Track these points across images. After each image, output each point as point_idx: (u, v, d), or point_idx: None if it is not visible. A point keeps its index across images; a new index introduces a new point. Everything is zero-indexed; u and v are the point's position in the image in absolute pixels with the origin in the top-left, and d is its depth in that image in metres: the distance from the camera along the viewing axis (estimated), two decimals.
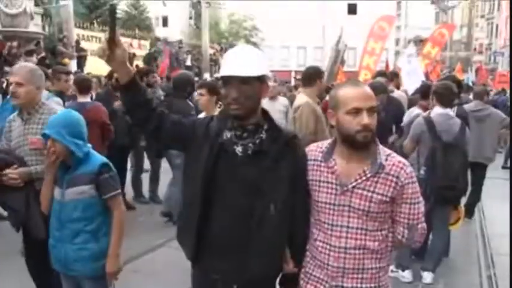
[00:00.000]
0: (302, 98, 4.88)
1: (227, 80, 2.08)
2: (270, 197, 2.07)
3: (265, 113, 2.20)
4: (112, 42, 2.01)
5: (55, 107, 3.65)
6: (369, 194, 2.05)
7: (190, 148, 2.21)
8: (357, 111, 2.01)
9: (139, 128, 2.25)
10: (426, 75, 14.27)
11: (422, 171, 4.38)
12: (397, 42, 57.72)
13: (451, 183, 4.32)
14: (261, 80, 2.10)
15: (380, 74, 7.20)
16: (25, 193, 3.23)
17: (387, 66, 24.18)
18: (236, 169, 2.09)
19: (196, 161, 2.15)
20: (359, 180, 2.06)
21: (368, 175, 2.05)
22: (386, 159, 2.08)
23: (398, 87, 7.82)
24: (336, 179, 2.08)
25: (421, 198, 2.14)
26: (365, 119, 2.00)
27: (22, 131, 3.40)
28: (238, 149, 2.11)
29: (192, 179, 2.18)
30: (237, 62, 2.07)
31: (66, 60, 15.81)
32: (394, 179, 2.05)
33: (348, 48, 14.48)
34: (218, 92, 4.77)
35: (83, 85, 5.96)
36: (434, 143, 4.43)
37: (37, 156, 3.35)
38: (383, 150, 2.11)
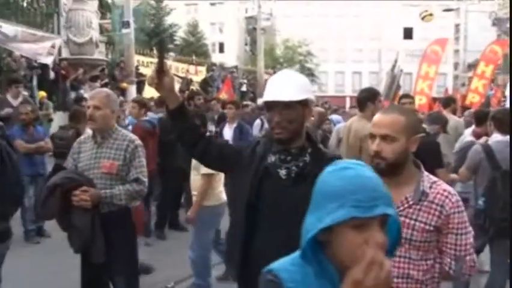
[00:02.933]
0: (359, 124, 4.70)
1: (271, 105, 2.12)
2: None
3: (309, 136, 2.22)
4: (161, 71, 2.12)
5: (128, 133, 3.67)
6: (412, 222, 2.00)
7: (236, 171, 2.26)
8: (372, 137, 2.03)
9: (187, 152, 2.33)
10: (488, 98, 13.76)
11: (480, 202, 4.10)
12: (456, 66, 56.18)
13: None
14: (304, 104, 2.13)
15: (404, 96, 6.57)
16: (91, 215, 3.25)
17: (446, 91, 23.58)
18: (280, 192, 2.11)
19: (241, 184, 2.19)
20: (401, 208, 2.01)
21: (410, 202, 2.01)
22: (431, 187, 2.02)
23: (454, 113, 7.55)
24: None
25: (470, 229, 2.05)
26: (374, 145, 2.00)
27: (94, 154, 3.42)
28: (282, 172, 2.13)
29: (237, 201, 2.24)
30: (280, 87, 2.10)
31: (124, 84, 16.36)
32: (438, 208, 1.99)
33: (404, 73, 14.27)
34: None
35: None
36: (494, 172, 4.15)
37: (107, 180, 3.37)
38: (427, 178, 2.05)
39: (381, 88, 13.97)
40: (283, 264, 1.34)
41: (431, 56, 14.01)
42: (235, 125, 7.36)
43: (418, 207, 2.00)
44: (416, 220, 1.99)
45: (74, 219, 3.26)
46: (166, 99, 2.20)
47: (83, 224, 3.24)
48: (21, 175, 3.31)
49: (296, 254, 1.37)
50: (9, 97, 8.33)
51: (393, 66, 13.55)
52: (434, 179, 2.08)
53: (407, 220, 2.00)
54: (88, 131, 3.72)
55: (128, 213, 3.55)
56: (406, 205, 2.02)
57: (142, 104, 7.01)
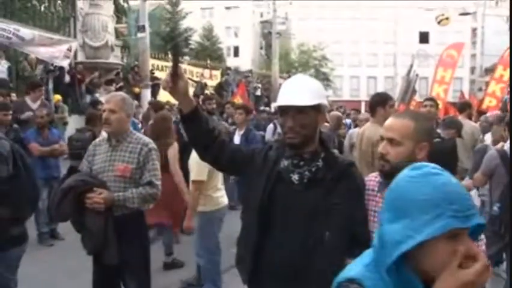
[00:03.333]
0: (371, 129, 4.64)
1: (284, 110, 2.13)
2: (325, 224, 2.06)
3: (322, 141, 2.23)
4: (175, 75, 2.12)
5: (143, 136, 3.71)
6: None
7: (248, 175, 2.28)
8: (381, 140, 2.07)
9: (200, 156, 2.34)
10: (504, 103, 13.54)
11: (495, 208, 4.07)
12: (472, 70, 55.66)
13: None
14: (317, 109, 2.13)
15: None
16: (104, 217, 3.27)
17: (462, 95, 23.28)
18: (292, 197, 2.12)
19: (254, 188, 2.20)
20: None
21: None
22: None
23: (470, 118, 7.46)
24: None
25: (482, 236, 1.99)
26: (380, 147, 2.04)
27: (109, 156, 3.46)
28: (295, 177, 2.14)
29: (249, 205, 2.24)
30: (293, 92, 2.11)
31: (137, 89, 16.43)
32: None
33: (419, 77, 14.14)
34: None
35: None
36: (509, 177, 4.11)
37: (120, 183, 3.40)
38: None
39: (397, 93, 13.87)
40: (362, 273, 1.27)
41: (447, 60, 13.87)
42: (243, 131, 7.32)
43: None
44: None
45: (87, 222, 3.27)
46: (180, 103, 2.21)
47: (96, 226, 3.26)
48: (36, 178, 3.33)
49: (365, 259, 1.32)
50: (28, 100, 8.50)
51: (409, 71, 13.43)
52: None
53: None
54: (103, 134, 3.73)
55: (141, 216, 3.58)
56: None
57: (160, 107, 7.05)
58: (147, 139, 3.62)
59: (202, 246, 4.69)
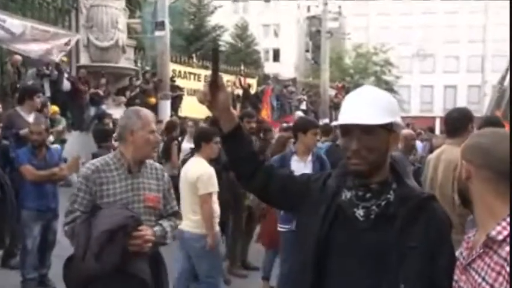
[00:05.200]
0: (451, 153, 4.55)
1: (346, 130, 2.15)
2: (399, 274, 2.04)
3: (394, 169, 2.24)
4: (215, 85, 2.18)
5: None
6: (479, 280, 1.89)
7: (302, 208, 2.33)
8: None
9: (243, 184, 2.43)
10: None
11: None
12: None
13: None
14: (389, 128, 2.14)
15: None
16: (146, 259, 3.45)
17: None
18: (356, 236, 2.14)
19: (309, 224, 2.24)
20: (474, 254, 1.94)
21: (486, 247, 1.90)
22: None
23: None
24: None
25: None
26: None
27: (130, 185, 3.58)
28: (359, 212, 2.16)
29: (303, 244, 2.27)
30: (359, 108, 2.13)
31: (152, 99, 16.59)
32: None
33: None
34: None
35: None
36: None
37: (151, 216, 3.61)
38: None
39: (485, 106, 13.54)
40: None
41: None
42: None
43: (487, 259, 1.88)
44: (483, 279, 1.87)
45: (132, 268, 3.38)
46: (220, 120, 2.27)
47: (142, 270, 3.41)
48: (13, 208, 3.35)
49: None
50: (21, 111, 7.86)
51: (502, 78, 13.12)
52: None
53: (476, 276, 1.89)
54: (109, 158, 3.69)
55: (159, 253, 3.78)
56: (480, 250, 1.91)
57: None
58: (157, 164, 3.91)
59: (213, 267, 5.29)
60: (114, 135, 4.00)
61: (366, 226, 2.13)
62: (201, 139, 5.67)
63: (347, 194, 2.20)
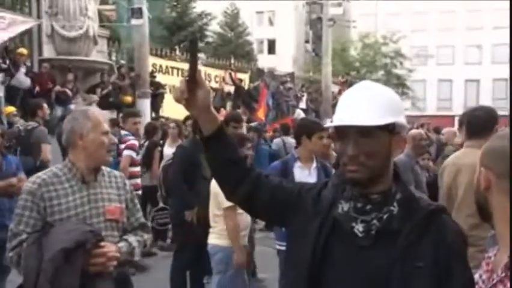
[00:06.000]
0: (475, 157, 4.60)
1: (342, 132, 2.15)
2: None
3: (398, 176, 2.25)
4: (193, 82, 2.19)
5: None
6: None
7: (293, 223, 2.36)
8: None
9: (227, 195, 2.45)
10: None
11: None
12: None
13: None
14: (391, 130, 2.14)
15: None
16: (111, 281, 3.44)
17: None
18: (354, 254, 2.16)
19: (301, 240, 2.26)
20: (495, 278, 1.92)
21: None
22: None
23: None
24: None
25: None
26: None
27: (86, 196, 3.56)
28: (358, 227, 2.17)
29: (295, 265, 2.31)
30: (355, 106, 2.14)
31: (128, 98, 16.67)
32: None
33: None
34: None
35: None
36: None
37: (113, 231, 3.59)
38: None
39: None
40: None
41: None
42: None
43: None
44: None
45: None
46: (200, 120, 2.29)
47: None
48: None
49: None
50: None
51: None
52: None
53: None
54: (57, 168, 3.70)
55: (126, 274, 3.87)
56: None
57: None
58: (116, 171, 3.96)
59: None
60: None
61: (366, 243, 2.14)
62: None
63: (344, 206, 2.21)
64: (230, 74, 23.74)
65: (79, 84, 15.25)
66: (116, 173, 3.86)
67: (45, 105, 9.47)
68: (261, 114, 19.33)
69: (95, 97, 15.64)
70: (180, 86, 2.21)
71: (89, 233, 3.32)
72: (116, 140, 3.90)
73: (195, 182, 6.98)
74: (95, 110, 3.78)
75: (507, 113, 9.10)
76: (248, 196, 2.38)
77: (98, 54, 17.15)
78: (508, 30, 45.13)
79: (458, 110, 44.75)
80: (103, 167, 3.73)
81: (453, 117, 37.22)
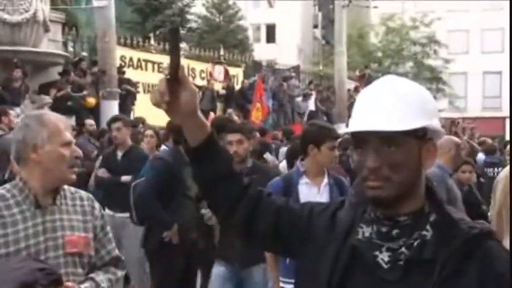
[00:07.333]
0: None
1: (360, 139, 2.17)
2: None
3: (432, 193, 2.26)
4: (175, 80, 2.21)
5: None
6: None
7: (302, 252, 2.40)
8: None
9: (220, 219, 2.62)
10: None
11: None
12: None
13: None
14: (422, 136, 2.15)
15: None
16: None
17: None
18: None
19: (313, 275, 2.29)
20: None
21: None
22: None
23: None
24: None
25: None
26: None
27: (41, 224, 3.52)
28: (383, 257, 2.19)
29: None
30: (377, 107, 2.15)
31: (90, 100, 16.88)
32: None
33: None
34: None
35: None
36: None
37: (75, 267, 3.56)
38: None
39: None
40: None
41: None
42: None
43: None
44: None
45: None
46: (185, 128, 2.33)
47: None
48: None
49: None
50: None
51: None
52: None
53: None
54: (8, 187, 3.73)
55: None
56: None
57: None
58: (82, 191, 3.90)
59: None
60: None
61: (393, 276, 2.16)
62: None
63: (365, 231, 2.25)
64: (225, 67, 23.90)
65: (29, 82, 15.33)
66: (83, 194, 3.82)
67: (11, 112, 9.79)
68: (255, 116, 19.37)
69: (48, 99, 15.72)
70: (159, 87, 2.21)
71: (38, 272, 3.20)
72: (81, 153, 3.76)
73: (172, 201, 7.13)
74: (52, 115, 3.72)
75: None
76: (245, 220, 2.41)
77: (51, 44, 17.22)
78: None
79: (507, 111, 45.03)
80: (66, 187, 3.70)
81: (503, 119, 37.36)
